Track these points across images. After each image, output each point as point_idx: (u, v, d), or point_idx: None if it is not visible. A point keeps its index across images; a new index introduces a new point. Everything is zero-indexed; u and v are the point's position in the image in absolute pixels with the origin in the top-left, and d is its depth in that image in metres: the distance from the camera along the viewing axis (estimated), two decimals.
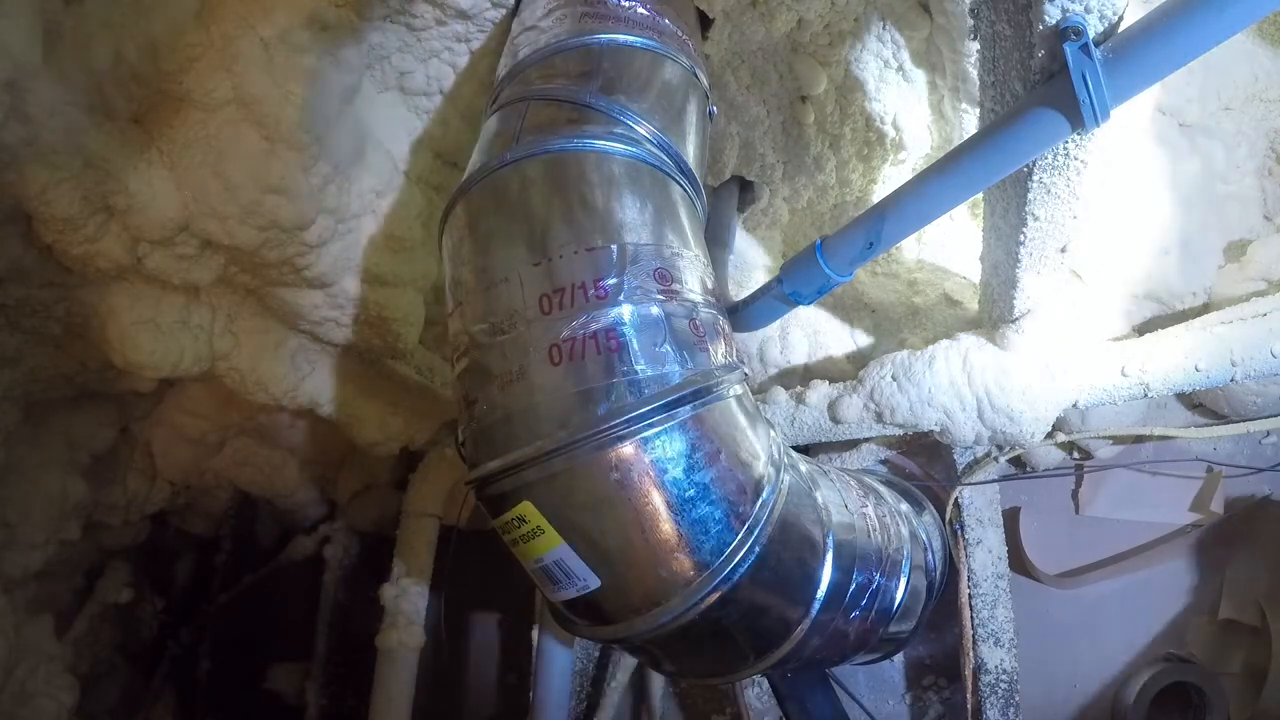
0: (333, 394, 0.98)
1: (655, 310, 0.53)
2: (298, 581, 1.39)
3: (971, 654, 0.96)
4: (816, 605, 0.61)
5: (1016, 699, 0.95)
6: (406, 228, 0.88)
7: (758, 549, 0.53)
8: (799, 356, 1.01)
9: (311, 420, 1.11)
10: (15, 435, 0.92)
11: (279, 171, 0.72)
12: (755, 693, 1.03)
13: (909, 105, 0.81)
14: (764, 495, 0.55)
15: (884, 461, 1.04)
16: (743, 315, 0.75)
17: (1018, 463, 1.05)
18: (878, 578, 0.72)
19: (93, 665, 1.23)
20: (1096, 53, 0.50)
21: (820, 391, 0.96)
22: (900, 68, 0.79)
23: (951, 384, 0.86)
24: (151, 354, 0.86)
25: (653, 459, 0.51)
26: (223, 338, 0.90)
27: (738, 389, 0.57)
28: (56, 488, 0.98)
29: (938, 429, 0.88)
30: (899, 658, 1.08)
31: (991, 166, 0.57)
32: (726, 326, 0.60)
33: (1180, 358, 0.81)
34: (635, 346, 0.52)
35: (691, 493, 0.51)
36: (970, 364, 0.86)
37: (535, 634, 1.09)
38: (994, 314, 0.83)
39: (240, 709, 1.45)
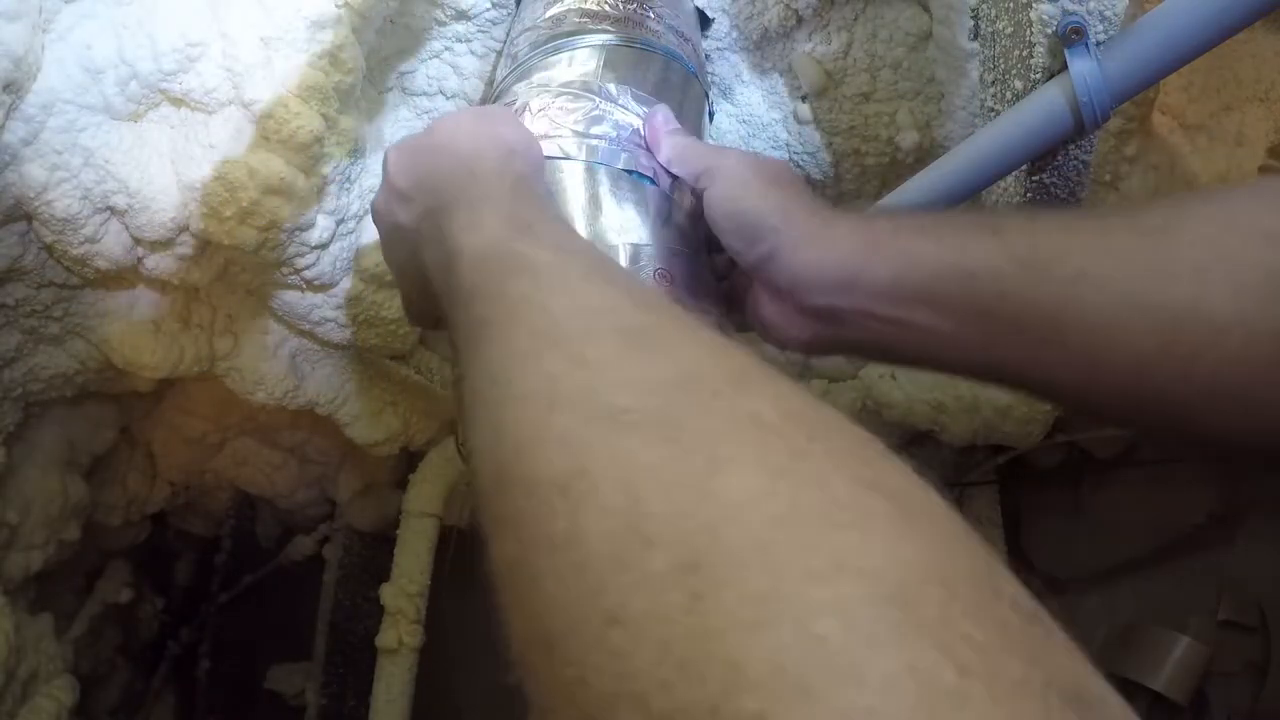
0: (333, 394, 0.98)
1: None
2: (298, 581, 1.39)
3: None
4: None
5: None
6: None
7: None
8: (799, 355, 1.02)
9: (311, 420, 1.11)
10: (15, 435, 0.91)
11: (279, 172, 0.71)
12: None
13: (906, 103, 0.81)
14: None
15: None
16: None
17: (1018, 463, 1.05)
18: None
19: (93, 665, 1.23)
20: (1097, 52, 0.50)
21: (819, 391, 0.96)
22: (898, 65, 0.79)
23: (949, 381, 0.86)
24: (152, 354, 0.86)
25: None
26: (223, 338, 0.90)
27: None
28: (56, 488, 0.97)
29: (936, 428, 0.88)
30: None
31: (990, 167, 0.57)
32: (727, 326, 0.60)
33: None
34: None
35: None
36: None
37: None
38: None
39: (240, 709, 1.45)
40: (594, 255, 0.35)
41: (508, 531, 0.26)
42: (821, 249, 0.45)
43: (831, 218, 0.47)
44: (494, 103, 0.64)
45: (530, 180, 0.46)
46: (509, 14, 0.79)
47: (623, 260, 0.53)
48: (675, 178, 0.56)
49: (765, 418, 0.24)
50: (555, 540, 0.23)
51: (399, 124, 0.90)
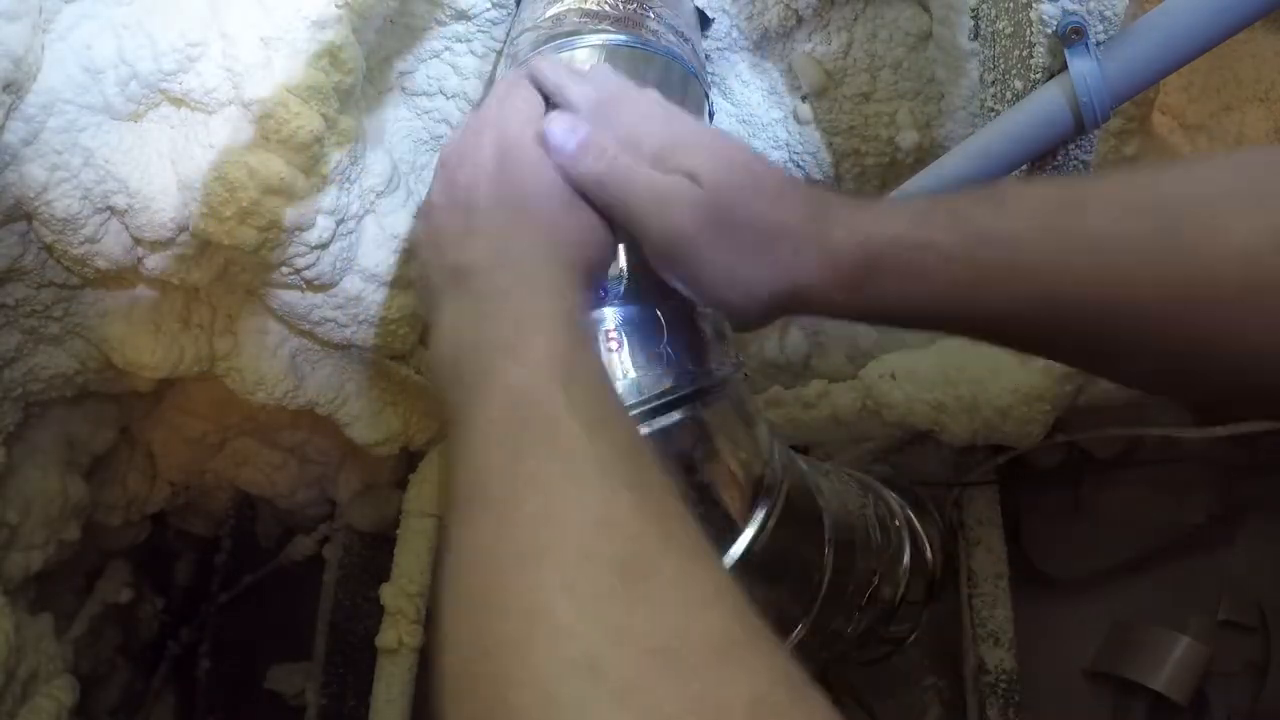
0: (333, 394, 0.98)
1: (655, 311, 0.53)
2: (298, 581, 1.39)
3: (971, 654, 0.96)
4: (816, 605, 0.61)
5: (1016, 699, 0.95)
6: (407, 228, 0.88)
7: (758, 549, 0.53)
8: (798, 356, 1.02)
9: (311, 420, 1.11)
10: (15, 435, 0.91)
11: (279, 172, 0.71)
12: None
13: (906, 103, 0.81)
14: (764, 496, 0.55)
15: (884, 461, 1.04)
16: None
17: (1018, 463, 1.05)
18: (877, 579, 0.72)
19: (93, 665, 1.23)
20: (1097, 52, 0.50)
21: (819, 391, 0.96)
22: (898, 65, 0.79)
23: (947, 382, 0.86)
24: (152, 354, 0.86)
25: None
26: (223, 338, 0.90)
27: (737, 389, 0.57)
28: (56, 488, 0.97)
29: (936, 428, 0.88)
30: (898, 658, 1.08)
31: (990, 167, 0.57)
32: (726, 326, 0.60)
33: None
34: (634, 346, 0.52)
35: (691, 494, 0.51)
36: (966, 360, 0.86)
37: None
38: None
39: (240, 709, 1.45)
40: (619, 433, 0.34)
41: None
42: (807, 312, 0.43)
43: (809, 272, 0.42)
44: None
45: (587, 292, 0.44)
46: (509, 14, 0.79)
47: (622, 261, 0.53)
48: None
49: (733, 714, 0.24)
50: None
51: (399, 124, 0.90)
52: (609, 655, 0.25)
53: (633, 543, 0.29)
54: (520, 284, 0.40)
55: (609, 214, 0.45)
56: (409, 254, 0.88)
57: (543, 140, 0.45)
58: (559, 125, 0.45)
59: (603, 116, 0.46)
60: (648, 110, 0.48)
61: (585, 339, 0.39)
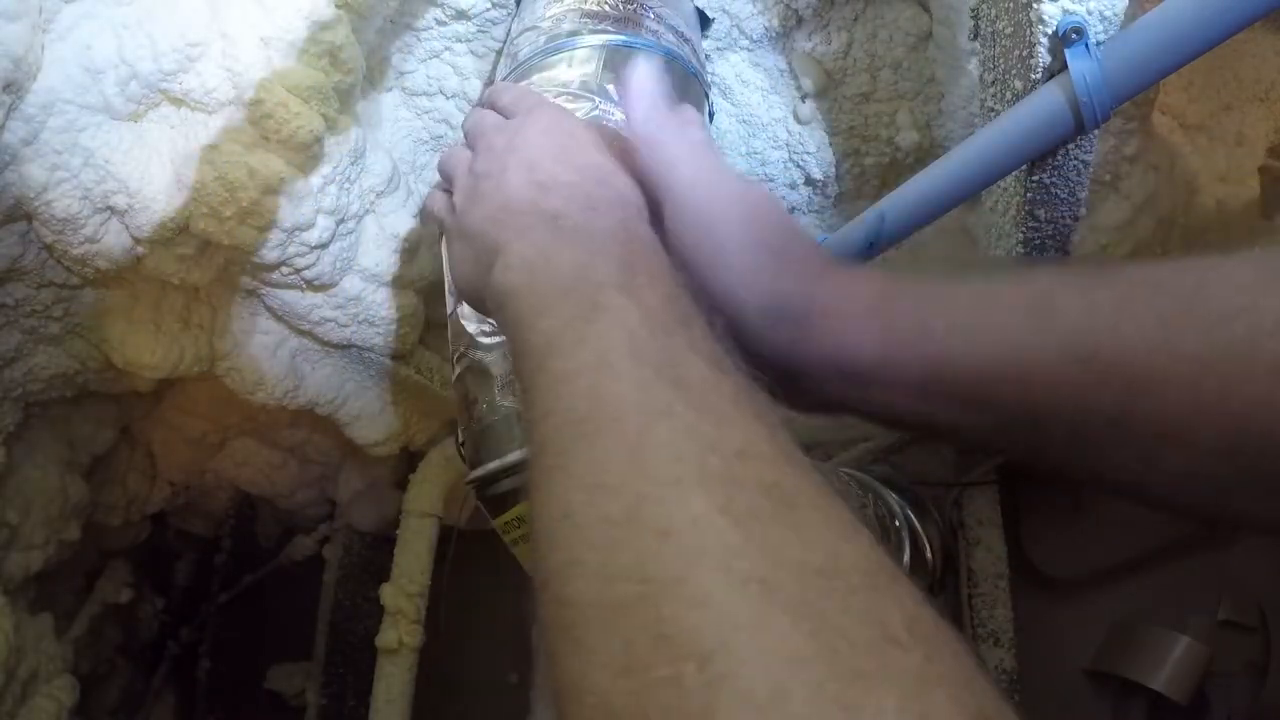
0: (333, 394, 0.98)
1: None
2: (298, 581, 1.39)
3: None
4: None
5: (1016, 699, 0.95)
6: (407, 228, 0.88)
7: None
8: None
9: (311, 420, 1.11)
10: (15, 435, 0.91)
11: (279, 172, 0.72)
12: None
13: (906, 103, 0.81)
14: None
15: (884, 461, 1.04)
16: None
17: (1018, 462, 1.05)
18: None
19: (93, 665, 1.23)
20: (1097, 52, 0.50)
21: None
22: (898, 65, 0.79)
23: None
24: (152, 354, 0.86)
25: None
26: (223, 338, 0.90)
27: None
28: (56, 488, 0.98)
29: None
30: None
31: (990, 167, 0.57)
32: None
33: None
34: None
35: None
36: None
37: (535, 634, 1.09)
38: None
39: (240, 709, 1.45)
40: (738, 373, 0.34)
41: (611, 679, 0.25)
42: (821, 336, 0.42)
43: (829, 287, 0.42)
44: None
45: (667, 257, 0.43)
46: (509, 14, 0.79)
47: None
48: None
49: (894, 630, 0.24)
50: (683, 717, 0.22)
51: (399, 124, 0.90)
52: (777, 573, 0.24)
53: (775, 472, 0.28)
54: (620, 230, 0.40)
55: (650, 176, 0.44)
56: (410, 254, 0.88)
57: (633, 77, 0.45)
58: (652, 78, 0.45)
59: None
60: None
61: (690, 297, 0.39)
